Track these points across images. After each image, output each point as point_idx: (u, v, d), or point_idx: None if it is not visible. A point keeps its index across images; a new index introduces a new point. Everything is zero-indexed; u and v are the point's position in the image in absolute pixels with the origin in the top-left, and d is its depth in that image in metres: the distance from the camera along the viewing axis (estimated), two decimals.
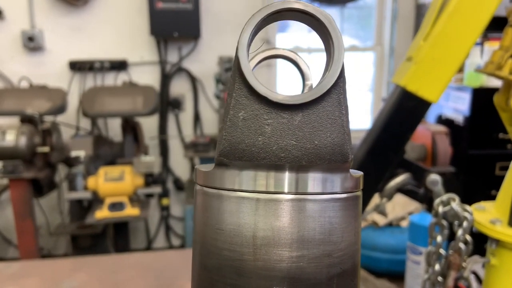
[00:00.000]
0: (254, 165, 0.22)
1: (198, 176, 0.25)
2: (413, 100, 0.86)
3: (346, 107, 0.23)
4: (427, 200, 0.98)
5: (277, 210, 0.22)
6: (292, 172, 0.22)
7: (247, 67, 0.22)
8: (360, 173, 0.25)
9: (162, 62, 3.19)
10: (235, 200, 0.23)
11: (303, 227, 0.22)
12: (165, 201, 3.16)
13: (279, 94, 0.22)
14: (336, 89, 0.22)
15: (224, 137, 0.23)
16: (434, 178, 0.93)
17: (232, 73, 0.23)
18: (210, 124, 3.31)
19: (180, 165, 3.35)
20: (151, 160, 2.50)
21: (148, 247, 3.35)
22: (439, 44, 0.84)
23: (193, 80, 3.25)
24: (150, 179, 2.54)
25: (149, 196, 2.67)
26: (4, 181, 2.61)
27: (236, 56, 0.22)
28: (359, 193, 0.25)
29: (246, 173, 0.23)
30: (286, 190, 0.22)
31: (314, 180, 0.22)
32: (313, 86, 0.28)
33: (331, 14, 0.22)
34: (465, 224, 0.77)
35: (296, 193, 0.22)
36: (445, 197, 0.82)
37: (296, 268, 0.22)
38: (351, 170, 0.25)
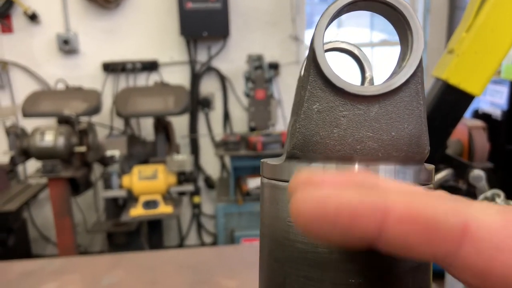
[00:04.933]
0: (324, 158, 0.22)
1: (265, 169, 0.25)
2: (455, 93, 0.84)
3: (424, 97, 0.22)
4: (469, 196, 0.95)
5: None
6: (361, 165, 0.22)
7: (323, 58, 0.22)
8: (432, 166, 0.25)
9: (192, 62, 3.22)
10: None
11: None
12: (196, 199, 3.20)
13: (356, 86, 0.22)
14: (414, 79, 0.22)
15: (298, 129, 0.23)
16: (478, 173, 0.90)
17: (306, 65, 0.23)
18: (240, 123, 3.33)
19: (210, 163, 3.38)
20: (183, 158, 2.53)
21: (181, 244, 3.40)
22: (482, 35, 0.81)
23: (223, 79, 3.27)
24: (182, 177, 2.57)
25: (182, 194, 2.71)
26: (43, 180, 2.69)
27: (312, 48, 0.22)
28: (432, 186, 0.25)
29: (316, 166, 0.23)
30: None
31: (385, 173, 0.22)
32: (373, 79, 0.28)
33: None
34: None
35: None
36: (489, 193, 0.79)
37: (372, 261, 0.21)
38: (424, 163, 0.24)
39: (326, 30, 0.22)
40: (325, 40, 0.25)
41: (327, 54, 0.26)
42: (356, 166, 0.22)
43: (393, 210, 0.17)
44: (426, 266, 0.23)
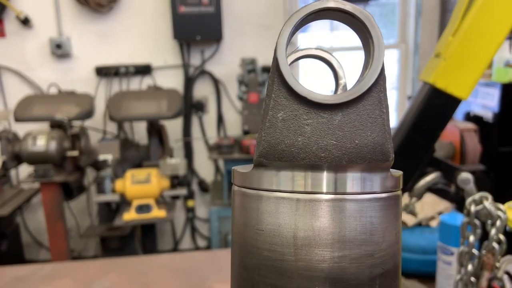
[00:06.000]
0: (292, 165, 0.22)
1: (236, 177, 0.25)
2: (442, 97, 0.84)
3: (387, 105, 0.22)
4: (458, 199, 0.95)
5: (317, 211, 0.22)
6: (330, 172, 0.22)
7: (286, 67, 0.22)
8: (399, 172, 0.25)
9: (185, 66, 3.22)
10: (274, 201, 0.23)
11: (344, 227, 0.22)
12: (190, 203, 3.19)
13: (319, 94, 0.22)
14: (376, 88, 0.22)
15: (263, 138, 0.23)
16: (465, 176, 0.91)
17: (270, 74, 0.23)
18: (234, 126, 3.33)
19: (204, 167, 3.38)
20: (176, 162, 2.52)
21: (175, 249, 3.39)
22: (468, 39, 0.82)
23: (216, 82, 3.27)
24: (175, 181, 2.57)
25: (175, 198, 2.70)
26: (35, 185, 2.68)
27: (275, 57, 0.22)
28: (399, 192, 0.25)
29: (284, 174, 0.23)
30: (324, 190, 0.22)
31: (353, 180, 0.22)
32: (347, 85, 0.28)
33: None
34: (498, 223, 0.76)
35: (335, 193, 0.22)
36: (477, 196, 0.80)
37: (338, 269, 0.22)
38: (391, 170, 0.24)
39: (290, 40, 0.22)
40: (301, 47, 0.26)
41: (302, 61, 0.27)
42: (325, 173, 0.22)
43: None
44: (394, 272, 0.24)
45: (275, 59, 0.22)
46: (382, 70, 0.22)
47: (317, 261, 0.22)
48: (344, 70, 0.27)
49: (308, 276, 0.22)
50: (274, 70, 0.22)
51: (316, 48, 0.27)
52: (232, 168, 0.25)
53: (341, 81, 0.27)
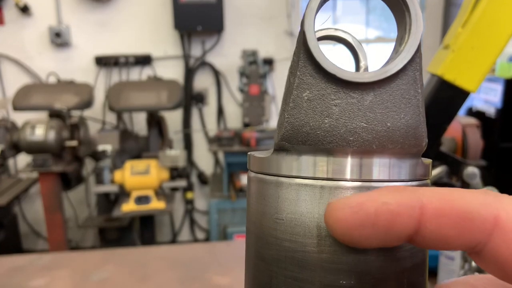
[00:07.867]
0: (314, 149, 0.21)
1: (252, 162, 0.23)
2: (450, 90, 0.83)
3: (422, 85, 0.21)
4: None
5: None
6: (355, 158, 0.20)
7: (314, 42, 0.20)
8: (429, 160, 0.23)
9: (186, 56, 3.19)
10: (296, 188, 0.21)
11: None
12: (189, 195, 3.18)
13: (349, 72, 0.20)
14: (412, 66, 0.20)
15: (286, 119, 0.21)
16: (472, 171, 0.89)
17: (295, 50, 0.21)
18: (234, 118, 3.31)
19: (204, 159, 3.37)
20: (176, 154, 2.51)
21: (173, 240, 3.39)
22: (478, 30, 0.80)
23: (217, 74, 3.25)
24: (175, 173, 2.55)
25: (174, 189, 2.69)
26: (34, 175, 2.66)
27: (302, 31, 0.20)
28: (428, 181, 0.23)
29: (306, 159, 0.21)
30: (348, 177, 0.20)
31: (379, 167, 0.21)
32: (368, 68, 0.26)
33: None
34: None
35: (360, 180, 0.20)
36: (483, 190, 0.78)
37: (364, 262, 0.20)
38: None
39: (318, 12, 0.20)
40: (317, 27, 0.24)
41: (319, 43, 0.25)
42: (349, 159, 0.21)
43: (429, 205, 0.18)
44: (422, 266, 0.22)
45: (302, 33, 0.20)
46: (419, 46, 0.20)
47: (342, 253, 0.20)
48: (365, 52, 0.26)
49: (332, 268, 0.20)
50: (300, 45, 0.20)
51: (336, 29, 0.25)
52: (248, 153, 0.24)
53: (362, 64, 0.25)
